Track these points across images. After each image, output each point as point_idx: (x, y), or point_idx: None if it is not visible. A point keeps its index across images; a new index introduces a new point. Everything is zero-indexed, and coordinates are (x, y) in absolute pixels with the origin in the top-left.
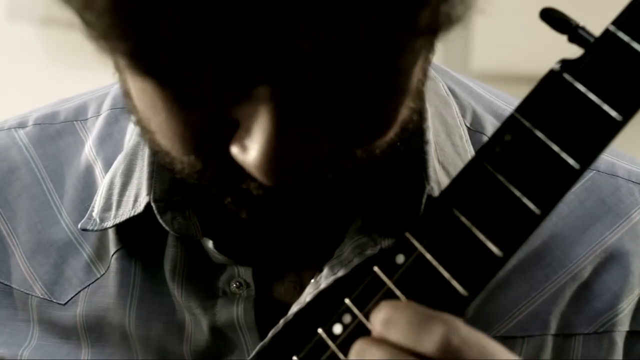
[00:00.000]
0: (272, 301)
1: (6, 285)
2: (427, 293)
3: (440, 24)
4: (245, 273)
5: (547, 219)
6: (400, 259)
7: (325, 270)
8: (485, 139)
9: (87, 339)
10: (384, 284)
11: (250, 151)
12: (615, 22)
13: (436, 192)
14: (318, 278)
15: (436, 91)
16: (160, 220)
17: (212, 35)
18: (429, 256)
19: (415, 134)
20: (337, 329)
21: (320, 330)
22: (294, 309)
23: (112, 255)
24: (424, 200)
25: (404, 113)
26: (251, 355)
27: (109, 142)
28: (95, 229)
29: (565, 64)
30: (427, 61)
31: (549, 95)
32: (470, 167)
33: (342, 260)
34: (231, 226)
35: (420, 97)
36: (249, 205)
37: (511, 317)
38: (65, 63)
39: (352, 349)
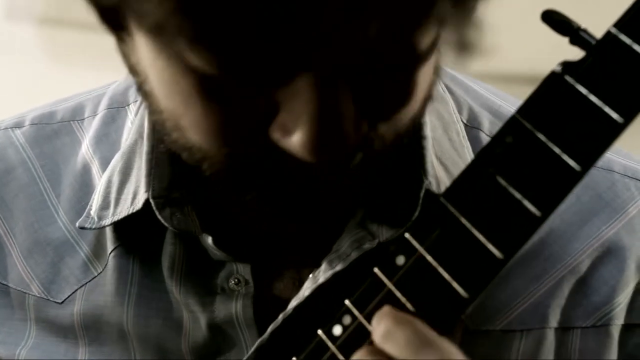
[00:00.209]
0: (271, 297)
1: (3, 284)
2: (427, 294)
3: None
4: (243, 270)
5: None
6: (400, 260)
7: (324, 265)
8: (482, 135)
9: (85, 338)
10: (384, 285)
11: (294, 131)
12: (617, 25)
13: (434, 187)
14: (316, 273)
15: None
16: (159, 216)
17: (269, 22)
18: (429, 258)
19: (413, 129)
20: (337, 330)
21: (320, 332)
22: (293, 303)
23: (110, 254)
24: (422, 195)
25: (424, 90)
26: (250, 351)
27: (105, 141)
28: (94, 227)
29: (567, 66)
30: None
31: (551, 97)
32: (470, 169)
33: (340, 254)
34: (230, 223)
35: (437, 73)
36: (272, 200)
37: (510, 311)
38: (63, 63)
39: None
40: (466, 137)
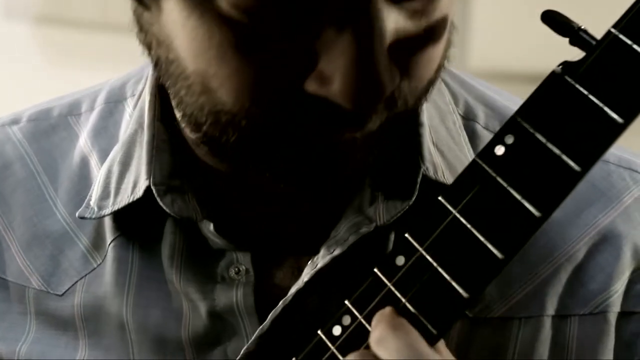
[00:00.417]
0: (271, 286)
1: (2, 279)
2: (427, 295)
3: None
4: (243, 258)
5: None
6: (400, 260)
7: (322, 251)
8: (477, 126)
9: (84, 330)
10: (384, 285)
11: (334, 79)
12: (617, 25)
13: (431, 172)
14: (315, 258)
15: None
16: (161, 203)
17: None
18: (429, 258)
19: (410, 117)
20: (337, 330)
21: (319, 332)
22: (293, 289)
23: (109, 244)
24: (419, 180)
25: (441, 50)
26: (251, 339)
27: (104, 134)
28: (94, 216)
29: (567, 66)
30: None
31: (550, 98)
32: (470, 170)
33: (338, 239)
34: (230, 211)
35: (449, 46)
36: (286, 176)
37: (507, 299)
38: (60, 62)
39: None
40: (462, 128)
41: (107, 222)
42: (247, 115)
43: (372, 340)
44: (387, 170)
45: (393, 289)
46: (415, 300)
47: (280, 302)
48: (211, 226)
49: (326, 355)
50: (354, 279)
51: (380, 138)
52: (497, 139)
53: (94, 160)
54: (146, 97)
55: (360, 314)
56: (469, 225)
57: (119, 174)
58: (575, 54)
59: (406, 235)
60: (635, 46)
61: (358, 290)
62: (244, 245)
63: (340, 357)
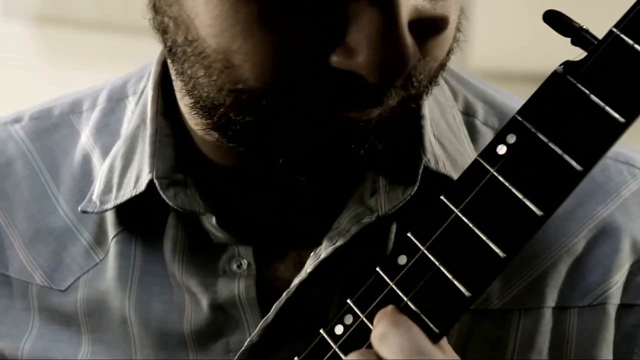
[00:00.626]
0: (273, 279)
1: (5, 275)
2: (429, 294)
3: None
4: (245, 252)
5: None
6: (402, 260)
7: (325, 242)
8: (477, 122)
9: (87, 325)
10: (386, 284)
11: (359, 51)
12: (619, 25)
13: (432, 164)
14: (318, 250)
15: None
16: (163, 196)
17: None
18: (431, 257)
19: (412, 109)
20: (339, 329)
21: (322, 331)
22: (296, 281)
23: (112, 240)
24: (420, 171)
25: (453, 31)
26: (255, 331)
27: (105, 131)
28: (96, 211)
29: (569, 66)
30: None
31: (552, 97)
32: (472, 169)
33: (340, 230)
34: (232, 205)
35: (459, 29)
36: (298, 162)
37: (507, 291)
38: (59, 61)
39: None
40: (462, 122)
41: (110, 218)
42: (269, 93)
43: (374, 337)
44: (388, 162)
45: (395, 288)
46: (417, 299)
47: (284, 294)
48: (213, 220)
49: (328, 354)
50: (356, 270)
51: (391, 123)
52: (499, 138)
53: (96, 157)
54: (149, 93)
55: (362, 313)
56: (471, 224)
57: (122, 169)
58: (576, 53)
59: (408, 234)
60: (636, 46)
61: (360, 290)
62: (246, 239)
63: (343, 356)
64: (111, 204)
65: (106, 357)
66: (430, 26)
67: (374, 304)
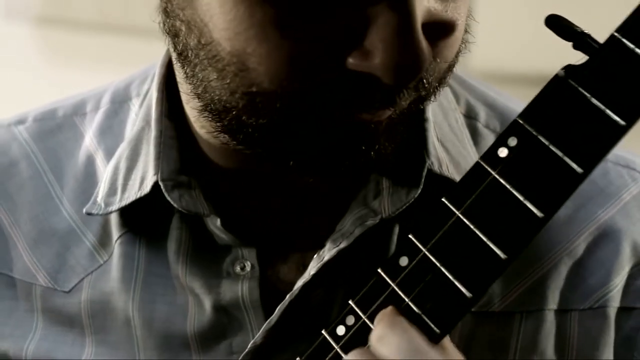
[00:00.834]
0: (277, 281)
1: (9, 276)
2: (430, 295)
3: None
4: (249, 254)
5: None
6: (404, 261)
7: (328, 244)
8: (478, 125)
9: (91, 326)
10: (388, 285)
11: (375, 53)
12: (620, 29)
13: (436, 167)
14: (321, 252)
15: None
16: (168, 198)
17: None
18: (432, 258)
19: (415, 112)
20: (341, 330)
21: (324, 332)
22: (300, 283)
23: (116, 241)
24: (424, 174)
25: (461, 38)
26: (259, 333)
27: (109, 133)
28: (101, 212)
29: (570, 69)
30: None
31: (554, 101)
32: (473, 171)
33: (344, 232)
34: (236, 208)
35: (468, 30)
36: (312, 163)
37: (508, 293)
38: (60, 63)
39: (347, 356)
40: (465, 125)
41: (114, 219)
42: (283, 95)
43: (373, 338)
44: (392, 164)
45: (397, 289)
46: (418, 300)
47: (288, 296)
48: (218, 221)
49: (330, 355)
50: (358, 272)
51: (400, 125)
52: (501, 141)
53: (99, 159)
54: (153, 95)
55: (364, 314)
56: (472, 226)
57: (126, 171)
58: (578, 55)
59: (410, 236)
60: (637, 50)
61: (362, 291)
62: (250, 241)
63: (344, 357)
64: (116, 206)
65: (110, 358)
66: (441, 28)
67: (376, 304)
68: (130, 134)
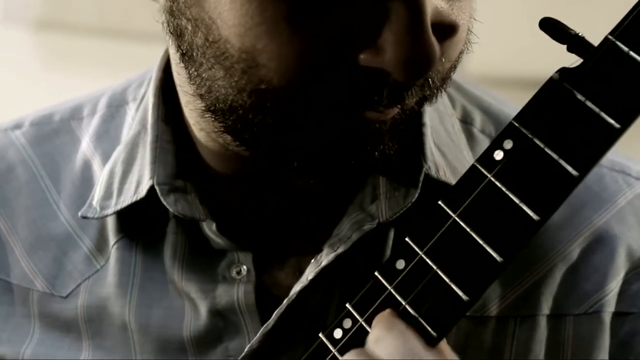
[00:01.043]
0: (272, 285)
1: (6, 281)
2: (427, 298)
3: None
4: (245, 258)
5: None
6: (400, 264)
7: (326, 249)
8: (474, 130)
9: (88, 332)
10: (385, 288)
11: (386, 48)
12: (614, 32)
13: (433, 171)
14: (319, 257)
15: None
16: (164, 202)
17: None
18: (429, 261)
19: (416, 114)
20: (338, 333)
21: (321, 335)
22: (297, 287)
23: (112, 246)
24: (421, 179)
25: (465, 38)
26: (256, 337)
27: (106, 137)
28: (96, 216)
29: (565, 72)
30: None
31: (549, 104)
32: (469, 174)
33: (341, 237)
34: (232, 212)
35: (470, 31)
36: (316, 162)
37: (503, 298)
38: (59, 67)
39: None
40: (461, 130)
41: (110, 224)
42: (293, 92)
43: (370, 340)
44: (389, 168)
45: (393, 292)
46: (415, 303)
47: (285, 300)
48: (214, 226)
49: (327, 358)
50: (355, 276)
51: (404, 125)
52: (496, 144)
53: (96, 164)
54: (149, 99)
55: (361, 317)
56: (468, 229)
57: (122, 175)
58: (573, 59)
59: (406, 239)
60: (632, 53)
61: (359, 294)
62: (246, 245)
63: (341, 359)
64: (111, 209)
65: None
66: (447, 27)
67: (373, 308)
68: (126, 138)
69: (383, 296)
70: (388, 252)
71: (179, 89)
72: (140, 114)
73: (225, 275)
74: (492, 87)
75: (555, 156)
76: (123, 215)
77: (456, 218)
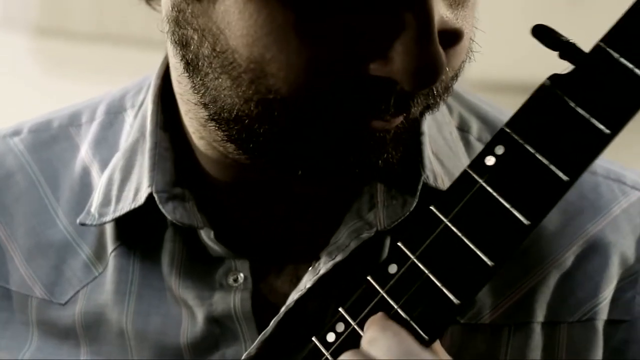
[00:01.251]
0: (269, 293)
1: (5, 288)
2: (419, 301)
3: None
4: (242, 266)
5: None
6: (393, 268)
7: (324, 257)
8: (471, 138)
9: (85, 338)
10: (377, 292)
11: (395, 58)
12: (605, 39)
13: (431, 180)
14: (316, 265)
15: None
16: (163, 210)
17: None
18: (421, 266)
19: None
20: (331, 337)
21: (314, 339)
22: (295, 296)
23: (111, 254)
24: (419, 187)
25: (467, 47)
26: (254, 344)
27: (104, 144)
28: (94, 223)
29: (556, 79)
30: None
31: (540, 110)
32: (461, 179)
33: (339, 245)
34: (229, 220)
35: (473, 39)
36: (319, 171)
37: (497, 306)
38: (57, 73)
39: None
40: (459, 138)
41: (109, 232)
42: (300, 101)
43: (364, 342)
44: (387, 177)
45: (386, 296)
46: (407, 307)
47: (283, 308)
48: (212, 234)
49: None
50: (350, 282)
51: (406, 134)
52: (488, 149)
53: (95, 170)
54: (148, 106)
55: (354, 320)
56: (459, 234)
57: (121, 182)
58: (567, 65)
59: (398, 243)
60: (622, 60)
61: (352, 298)
62: (243, 253)
63: None
64: (110, 216)
65: None
66: (451, 36)
67: (365, 311)
68: (124, 145)
69: (375, 300)
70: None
71: (178, 97)
72: (138, 121)
73: (222, 283)
74: (491, 93)
75: (545, 162)
76: (121, 223)
77: (448, 223)
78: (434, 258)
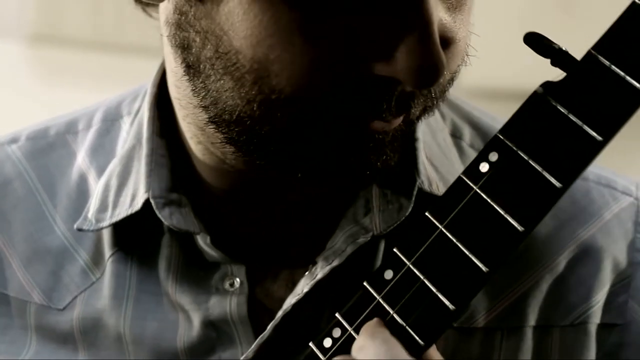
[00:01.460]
0: (265, 297)
1: (4, 294)
2: (415, 307)
3: None
4: (238, 271)
5: None
6: (388, 274)
7: (320, 262)
8: (464, 144)
9: (83, 343)
10: (374, 298)
11: (398, 57)
12: (596, 47)
13: (426, 185)
14: (313, 270)
15: None
16: (159, 215)
17: None
18: (416, 272)
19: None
20: (327, 342)
21: (311, 344)
22: (292, 300)
23: (108, 259)
24: (414, 193)
25: (464, 50)
26: (251, 348)
27: (101, 151)
28: (92, 228)
29: (548, 86)
30: None
31: (533, 117)
32: (456, 186)
33: (335, 250)
34: (226, 225)
35: (469, 41)
36: (319, 173)
37: (490, 310)
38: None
39: None
40: (452, 144)
41: (106, 238)
42: (303, 102)
43: (354, 348)
44: (382, 182)
45: (382, 301)
46: (403, 313)
47: (280, 312)
48: (208, 239)
49: None
50: (346, 287)
51: (404, 136)
52: (482, 156)
53: (92, 177)
54: (145, 113)
55: (350, 326)
56: (454, 240)
57: (117, 188)
58: (559, 72)
59: (394, 249)
60: (613, 67)
61: (348, 303)
62: (239, 258)
63: None
64: (107, 222)
65: None
66: (449, 39)
67: (362, 317)
68: (121, 152)
69: (372, 306)
70: (379, 263)
71: (176, 102)
72: (135, 128)
73: (218, 287)
74: (484, 100)
75: (539, 168)
76: (118, 229)
77: (443, 229)
78: (430, 264)
